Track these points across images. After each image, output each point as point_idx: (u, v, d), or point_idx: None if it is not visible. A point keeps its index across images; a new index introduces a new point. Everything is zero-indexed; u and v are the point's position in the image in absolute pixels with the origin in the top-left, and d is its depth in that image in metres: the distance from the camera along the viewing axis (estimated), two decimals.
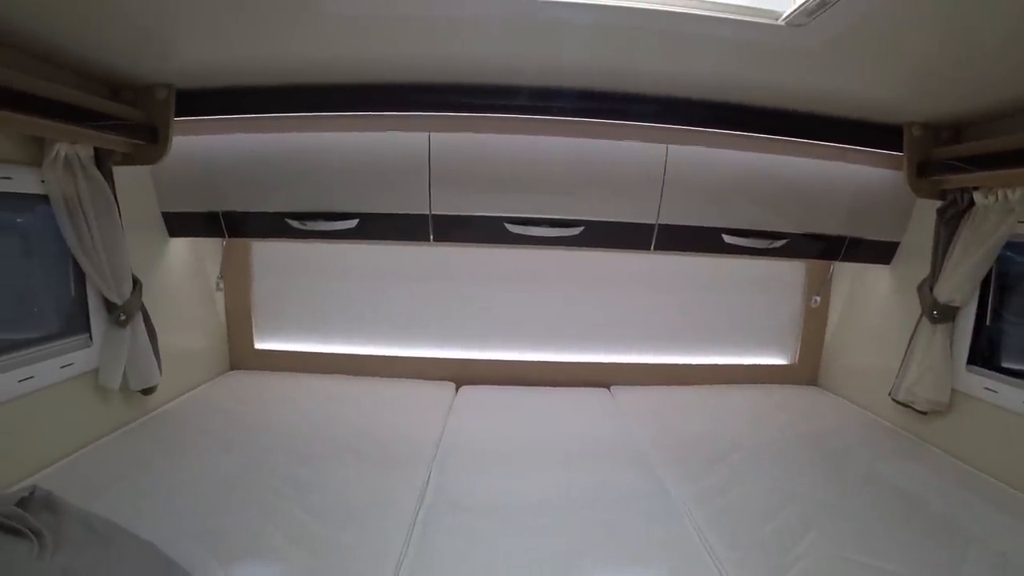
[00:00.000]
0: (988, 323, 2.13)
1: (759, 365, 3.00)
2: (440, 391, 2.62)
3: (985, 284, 2.09)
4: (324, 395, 2.48)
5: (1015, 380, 1.95)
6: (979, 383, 2.05)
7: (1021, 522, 1.61)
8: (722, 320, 2.94)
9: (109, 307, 1.91)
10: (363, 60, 1.69)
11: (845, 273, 2.88)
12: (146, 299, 2.04)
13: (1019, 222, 1.88)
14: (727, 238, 2.34)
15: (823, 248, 2.50)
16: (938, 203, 2.14)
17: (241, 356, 2.87)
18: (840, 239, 2.46)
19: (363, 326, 2.85)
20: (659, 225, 2.28)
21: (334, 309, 2.85)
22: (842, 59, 1.51)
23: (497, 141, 2.11)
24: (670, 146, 2.14)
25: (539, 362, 2.84)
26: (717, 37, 1.38)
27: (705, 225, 2.33)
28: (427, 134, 2.09)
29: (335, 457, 1.86)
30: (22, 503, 1.39)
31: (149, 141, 1.87)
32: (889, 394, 2.33)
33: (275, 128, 2.08)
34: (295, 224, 2.28)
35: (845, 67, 1.59)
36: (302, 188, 2.26)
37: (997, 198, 1.91)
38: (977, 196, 1.98)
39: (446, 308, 2.82)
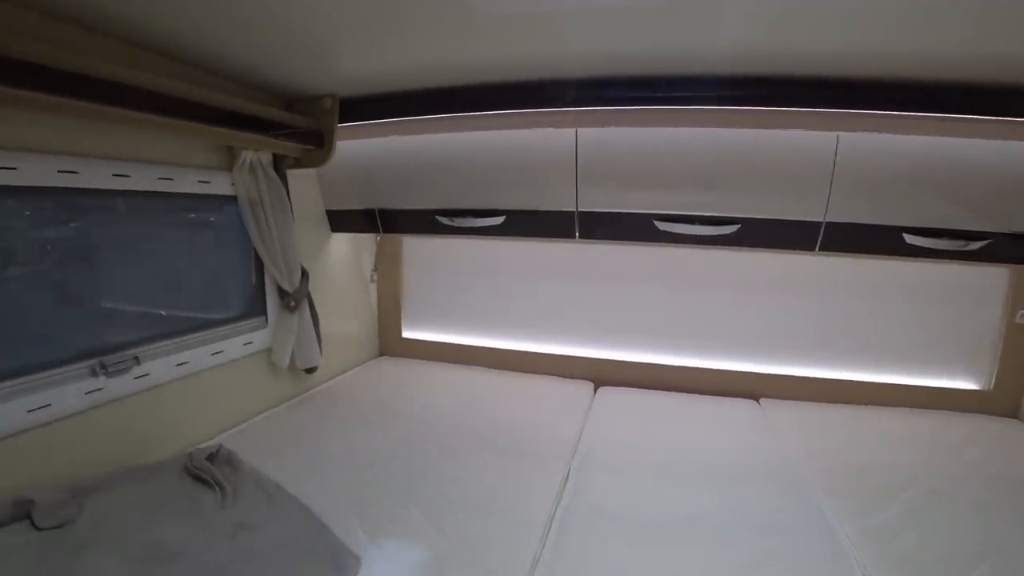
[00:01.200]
0: None
1: (942, 388, 2.54)
2: (578, 390, 2.59)
3: None
4: (464, 385, 2.58)
5: None
6: None
7: None
8: (896, 333, 2.54)
9: (281, 294, 2.16)
10: (509, 58, 1.70)
11: None
12: (311, 288, 2.27)
13: None
14: (909, 238, 2.01)
15: None
16: None
17: (390, 343, 3.09)
18: None
19: (504, 320, 2.91)
20: (826, 223, 2.03)
21: (477, 303, 2.94)
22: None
23: (646, 135, 2.01)
24: (841, 134, 1.88)
25: (681, 367, 2.69)
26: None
27: (882, 223, 2.02)
28: (574, 130, 2.06)
29: (474, 448, 1.92)
30: (210, 458, 1.62)
31: (317, 146, 2.07)
32: None
33: (427, 129, 2.17)
34: (444, 221, 2.39)
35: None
36: (451, 186, 2.35)
37: None
38: None
39: (587, 306, 2.77)
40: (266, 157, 1.99)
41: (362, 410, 2.23)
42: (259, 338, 2.14)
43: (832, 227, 2.03)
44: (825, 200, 1.98)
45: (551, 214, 2.25)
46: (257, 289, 2.18)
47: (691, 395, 2.56)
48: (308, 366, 2.30)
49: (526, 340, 2.89)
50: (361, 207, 2.53)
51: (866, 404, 2.47)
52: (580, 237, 2.26)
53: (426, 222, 2.43)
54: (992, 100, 1.71)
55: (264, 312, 2.18)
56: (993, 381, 2.47)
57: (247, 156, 1.92)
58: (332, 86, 1.98)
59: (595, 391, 2.61)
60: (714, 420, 2.29)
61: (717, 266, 2.57)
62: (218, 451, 1.63)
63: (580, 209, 2.20)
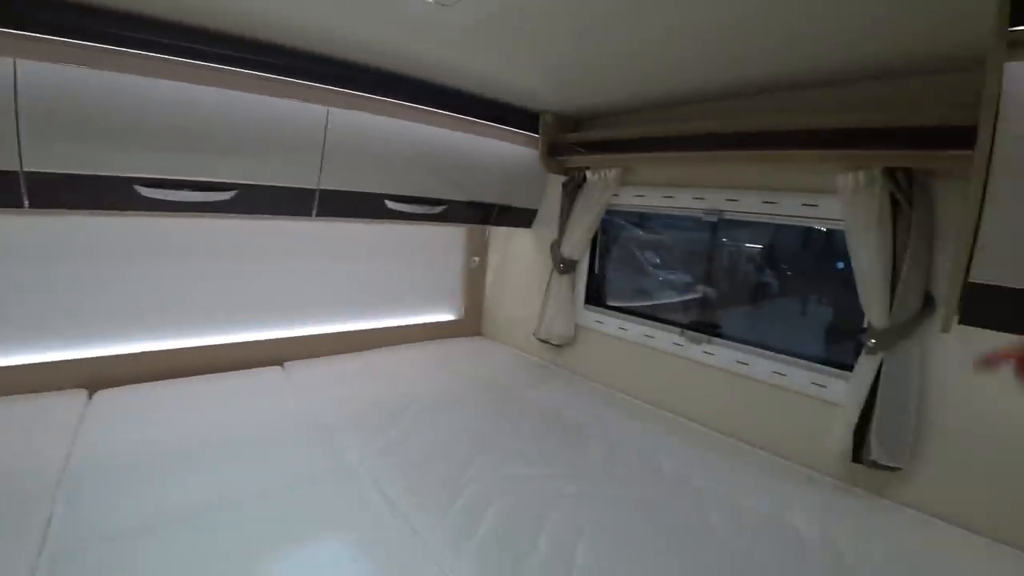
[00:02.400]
0: (596, 272, 2.77)
1: (432, 323, 3.26)
2: (65, 402, 1.95)
3: (594, 242, 2.71)
4: None
5: (612, 312, 2.65)
6: (592, 317, 2.69)
7: (624, 415, 2.24)
8: (394, 284, 3.05)
9: None
10: None
11: (498, 236, 3.35)
12: None
13: (613, 195, 2.47)
14: (390, 204, 2.37)
15: (479, 214, 2.79)
16: (563, 178, 2.69)
17: None
18: (492, 206, 2.80)
19: None
20: (320, 190, 2.14)
21: None
22: (488, 43, 1.70)
23: (122, 82, 1.60)
24: (331, 109, 2.01)
25: (194, 348, 2.38)
26: (375, 4, 1.39)
27: (368, 191, 2.30)
28: (11, 59, 1.46)
29: None
30: None
31: None
32: (534, 334, 2.85)
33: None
34: None
35: (491, 52, 1.78)
36: None
37: (601, 176, 2.47)
38: (588, 174, 2.55)
39: (68, 295, 2.07)
40: None
41: None
42: None
43: (326, 194, 2.16)
44: (318, 169, 2.09)
45: None
46: None
47: (210, 376, 2.32)
48: None
49: None
50: None
51: (377, 348, 2.90)
52: (31, 206, 1.64)
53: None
54: (455, 100, 2.25)
55: None
56: (463, 311, 3.36)
57: None
58: None
59: (90, 398, 2.01)
60: (238, 395, 2.16)
61: (226, 237, 2.37)
62: None
63: (27, 169, 1.59)
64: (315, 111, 1.98)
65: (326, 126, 2.02)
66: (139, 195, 1.77)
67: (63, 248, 2.02)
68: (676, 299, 2.59)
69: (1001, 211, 1.08)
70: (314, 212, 2.17)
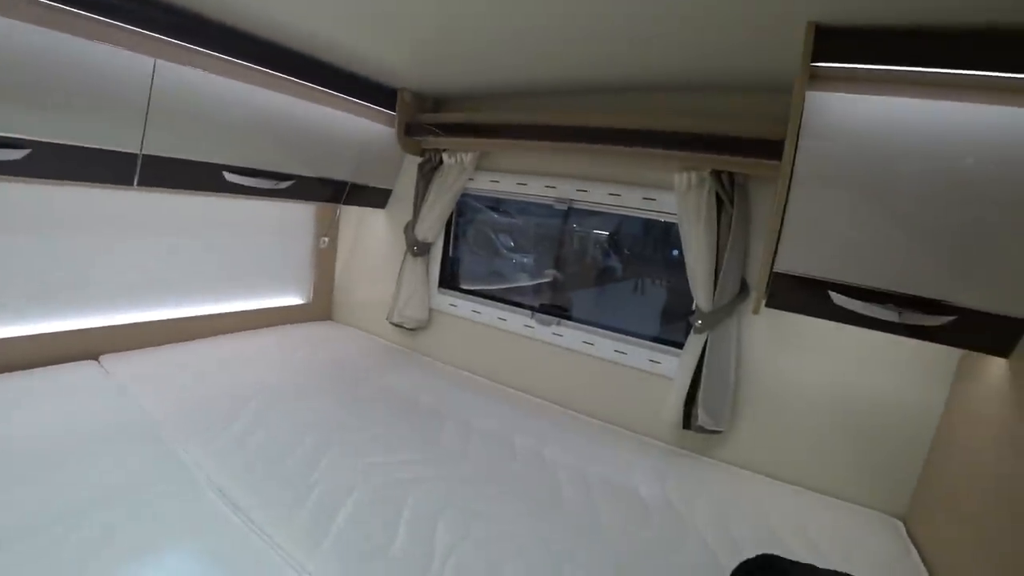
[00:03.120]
0: (451, 255, 2.78)
1: (277, 307, 3.00)
2: None
3: (448, 225, 2.70)
4: None
5: (466, 296, 2.68)
6: (446, 301, 2.70)
7: (478, 397, 2.29)
8: (235, 265, 2.74)
9: None
10: None
11: (350, 216, 3.19)
12: None
13: (469, 179, 2.49)
14: (229, 176, 2.10)
15: (330, 192, 2.63)
16: (419, 159, 2.63)
17: None
18: (344, 184, 2.65)
19: None
20: (144, 155, 1.82)
21: None
22: (349, 11, 1.59)
23: None
24: (158, 62, 1.71)
25: None
26: None
27: (203, 160, 2.02)
28: None
29: None
30: None
31: None
32: (387, 318, 2.77)
33: None
34: None
35: (352, 21, 1.68)
36: None
37: (457, 159, 2.47)
38: (445, 156, 2.53)
39: None
40: None
41: None
42: None
43: (150, 160, 1.85)
44: (141, 129, 1.78)
45: None
46: None
47: (11, 373, 1.90)
48: None
49: None
50: None
51: (213, 336, 2.58)
52: None
53: None
54: (306, 67, 2.07)
55: None
56: (311, 295, 3.15)
57: None
58: None
59: None
60: (44, 397, 1.80)
61: (24, 206, 1.94)
62: None
63: None
64: (140, 62, 1.67)
65: (152, 80, 1.72)
66: None
67: None
68: (529, 283, 2.69)
69: (798, 213, 1.31)
70: (136, 180, 1.83)
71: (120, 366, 2.11)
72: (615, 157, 2.09)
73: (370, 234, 3.11)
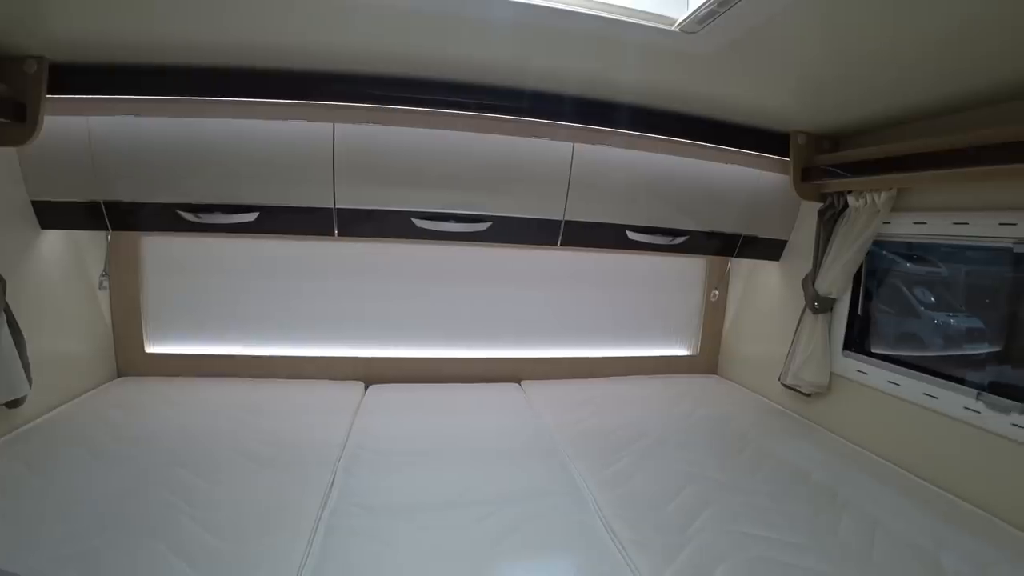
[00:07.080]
0: (860, 313, 2.35)
1: (664, 357, 3.17)
2: (348, 391, 2.53)
3: (857, 278, 2.31)
4: (224, 401, 2.31)
5: (880, 362, 2.19)
6: (853, 366, 2.28)
7: (890, 488, 1.82)
8: (629, 315, 3.07)
9: None
10: (261, 45, 1.60)
11: (741, 269, 3.09)
12: (12, 299, 1.81)
13: (884, 222, 2.09)
14: (631, 235, 2.44)
15: (721, 245, 2.65)
16: (819, 205, 2.36)
17: (130, 361, 2.60)
18: (735, 237, 2.62)
19: (267, 326, 2.69)
20: (565, 221, 2.34)
21: (235, 309, 2.65)
22: (734, 68, 1.61)
23: (405, 135, 2.05)
24: (576, 145, 2.19)
25: (449, 359, 2.84)
26: (616, 39, 1.43)
27: (610, 222, 2.41)
28: (331, 125, 2.01)
29: (232, 465, 1.76)
30: None
31: (15, 119, 1.66)
32: (778, 379, 2.53)
33: (167, 111, 1.90)
34: (189, 217, 2.12)
35: (738, 75, 1.69)
36: (197, 178, 2.09)
37: (867, 201, 2.11)
38: (850, 199, 2.19)
39: (353, 305, 2.73)
40: None
41: (91, 443, 1.83)
42: None
43: (570, 225, 2.35)
44: (564, 202, 2.29)
45: (309, 210, 2.17)
46: None
47: (458, 384, 2.73)
48: (9, 398, 1.80)
49: (291, 345, 2.71)
50: (83, 199, 2.07)
51: (608, 377, 2.96)
52: (339, 234, 2.22)
53: (167, 218, 2.12)
54: (695, 128, 2.18)
55: None
56: (699, 347, 3.17)
57: None
58: (40, 46, 1.61)
59: (366, 390, 2.60)
60: (479, 405, 2.48)
61: (477, 263, 2.78)
62: None
63: (338, 206, 2.16)
64: (561, 148, 2.18)
65: (571, 161, 2.20)
66: (414, 226, 2.23)
67: (355, 268, 2.70)
68: (962, 352, 2.04)
69: None
70: (559, 241, 2.37)
71: (535, 391, 2.68)
72: None
73: (762, 287, 2.93)
